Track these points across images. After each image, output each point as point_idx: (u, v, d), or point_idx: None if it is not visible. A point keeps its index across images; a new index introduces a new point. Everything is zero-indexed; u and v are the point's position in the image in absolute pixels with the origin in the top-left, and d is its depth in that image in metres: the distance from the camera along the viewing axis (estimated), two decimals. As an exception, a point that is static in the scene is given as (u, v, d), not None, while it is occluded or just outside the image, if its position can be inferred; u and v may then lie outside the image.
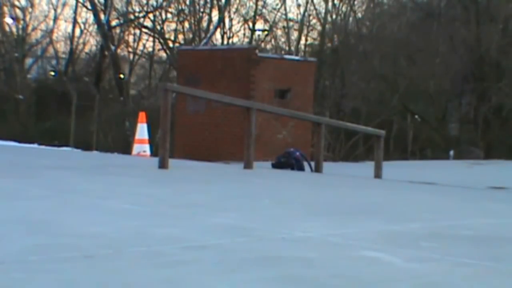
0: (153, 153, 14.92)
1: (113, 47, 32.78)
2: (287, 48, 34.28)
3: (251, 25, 35.24)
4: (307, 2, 33.62)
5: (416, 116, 30.15)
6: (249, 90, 18.64)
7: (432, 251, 4.03)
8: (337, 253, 3.89)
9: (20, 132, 28.62)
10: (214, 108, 18.55)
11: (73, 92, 30.25)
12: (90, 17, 35.36)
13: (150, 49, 37.08)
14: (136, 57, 36.89)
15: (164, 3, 34.16)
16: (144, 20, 35.11)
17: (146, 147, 14.81)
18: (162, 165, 9.02)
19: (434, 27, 29.50)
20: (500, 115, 27.95)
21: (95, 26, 34.49)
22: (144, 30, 35.53)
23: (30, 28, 37.08)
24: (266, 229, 4.54)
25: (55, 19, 37.31)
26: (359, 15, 33.67)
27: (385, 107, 28.61)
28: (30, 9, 36.65)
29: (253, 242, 4.10)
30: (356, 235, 4.50)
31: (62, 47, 38.24)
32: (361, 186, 8.85)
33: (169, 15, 34.90)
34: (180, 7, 34.45)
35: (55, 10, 37.49)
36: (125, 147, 24.40)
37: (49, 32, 37.06)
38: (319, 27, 34.02)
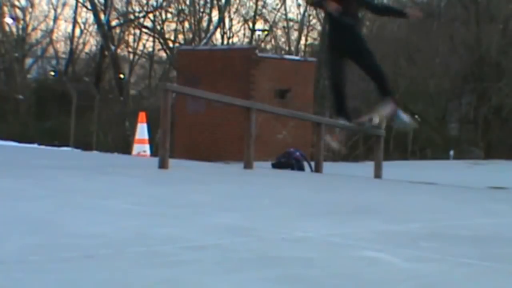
0: (153, 153, 14.93)
1: (113, 47, 32.79)
2: (287, 48, 34.30)
3: (251, 25, 35.26)
4: (307, 2, 33.62)
5: (416, 116, 30.15)
6: (249, 90, 18.66)
7: (432, 251, 4.03)
8: (337, 253, 3.89)
9: (20, 132, 28.62)
10: (214, 108, 18.56)
11: (73, 92, 30.25)
12: (90, 17, 35.41)
13: (150, 49, 37.09)
14: (136, 57, 36.90)
15: (164, 3, 34.18)
16: (144, 20, 35.15)
17: (146, 147, 14.82)
18: (162, 165, 9.02)
19: (434, 27, 29.50)
20: (500, 115, 27.96)
21: (95, 26, 34.52)
22: (144, 30, 35.55)
23: (30, 28, 37.11)
24: (266, 229, 4.54)
25: (55, 19, 37.36)
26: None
27: (385, 107, 28.56)
28: (30, 9, 36.68)
29: (253, 242, 4.10)
30: (356, 235, 4.50)
31: (62, 47, 38.28)
32: (361, 186, 8.85)
33: (169, 15, 34.95)
34: (180, 7, 34.47)
35: (55, 10, 37.54)
36: (125, 147, 24.40)
37: (49, 32, 37.08)
38: (319, 27, 34.04)
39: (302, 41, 34.88)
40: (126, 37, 35.56)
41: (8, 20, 36.10)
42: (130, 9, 34.82)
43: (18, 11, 36.43)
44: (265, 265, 3.50)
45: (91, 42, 37.39)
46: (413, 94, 29.42)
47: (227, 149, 18.34)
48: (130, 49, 36.27)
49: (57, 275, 3.10)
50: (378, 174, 11.63)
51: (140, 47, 36.72)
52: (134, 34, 36.03)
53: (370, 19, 33.39)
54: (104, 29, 32.43)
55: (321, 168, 11.28)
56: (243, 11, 35.20)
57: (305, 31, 34.65)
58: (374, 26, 32.31)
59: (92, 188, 6.57)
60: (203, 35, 33.07)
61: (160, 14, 34.72)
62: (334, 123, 10.03)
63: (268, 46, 35.43)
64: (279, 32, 35.80)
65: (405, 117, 9.54)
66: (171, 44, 34.36)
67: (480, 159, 23.68)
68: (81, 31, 37.12)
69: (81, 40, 37.42)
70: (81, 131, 28.78)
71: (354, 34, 9.15)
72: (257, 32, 35.49)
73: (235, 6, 34.88)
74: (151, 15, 34.75)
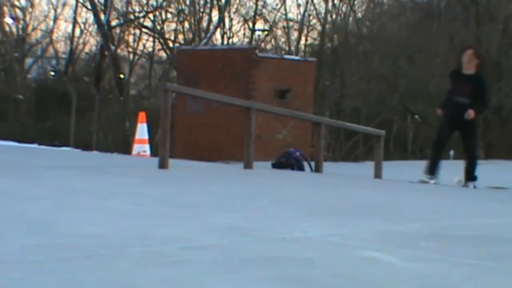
0: (153, 153, 14.92)
1: (113, 47, 32.77)
2: (287, 48, 34.28)
3: (251, 25, 35.25)
4: (307, 2, 33.65)
5: (416, 116, 30.15)
6: (249, 90, 18.65)
7: (432, 251, 4.03)
8: (337, 253, 3.89)
9: (20, 132, 28.61)
10: (214, 108, 18.55)
11: (73, 92, 30.25)
12: (90, 17, 35.39)
13: (150, 49, 37.09)
14: (136, 57, 36.89)
15: (164, 3, 34.17)
16: (144, 20, 35.13)
17: (146, 147, 14.81)
18: (162, 165, 9.02)
19: (434, 27, 29.50)
20: (500, 115, 27.95)
21: (95, 26, 34.49)
22: (144, 30, 35.53)
23: (30, 28, 37.10)
24: (266, 229, 4.54)
25: (55, 19, 37.35)
26: (359, 15, 33.68)
27: (385, 107, 28.62)
28: (30, 9, 36.67)
29: (253, 242, 4.10)
30: (356, 235, 4.50)
31: (62, 47, 38.26)
32: (361, 186, 8.85)
33: (169, 15, 34.93)
34: (180, 7, 34.46)
35: (55, 10, 37.53)
36: (125, 147, 24.39)
37: (49, 32, 37.07)
38: (319, 27, 34.03)
39: (302, 41, 34.88)
40: (126, 37, 35.56)
41: (8, 20, 36.08)
42: (130, 9, 34.81)
43: (18, 11, 36.43)
44: (265, 265, 3.50)
45: (91, 42, 37.41)
46: (413, 94, 29.41)
47: (227, 149, 18.33)
48: (130, 49, 36.27)
49: (57, 275, 3.10)
50: (378, 174, 11.64)
51: (140, 47, 36.74)
52: (134, 34, 36.04)
53: (370, 19, 33.39)
54: (104, 29, 32.40)
55: (321, 168, 11.28)
56: (243, 11, 35.21)
57: (305, 31, 34.63)
58: (374, 26, 32.30)
59: (92, 188, 6.57)
60: (203, 35, 33.06)
61: (160, 14, 34.71)
62: (334, 123, 10.05)
63: (268, 46, 35.42)
64: (279, 32, 35.81)
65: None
66: (171, 44, 34.34)
67: (480, 159, 23.65)
68: (81, 31, 37.14)
69: (81, 40, 37.44)
70: (81, 131, 28.77)
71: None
72: (257, 32, 35.49)
73: (235, 6, 34.89)
74: (151, 15, 34.75)
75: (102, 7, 33.36)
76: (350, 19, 33.06)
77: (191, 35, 34.23)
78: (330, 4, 32.57)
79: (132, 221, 4.60)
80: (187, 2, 34.10)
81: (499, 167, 18.43)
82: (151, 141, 16.02)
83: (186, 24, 34.60)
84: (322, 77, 29.66)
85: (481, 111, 10.78)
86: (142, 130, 14.93)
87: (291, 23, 34.88)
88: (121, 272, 3.20)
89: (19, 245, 3.68)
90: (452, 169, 10.81)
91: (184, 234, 4.22)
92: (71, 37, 36.77)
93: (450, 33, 28.48)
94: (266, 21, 35.31)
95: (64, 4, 37.48)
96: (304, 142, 18.79)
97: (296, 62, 20.71)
